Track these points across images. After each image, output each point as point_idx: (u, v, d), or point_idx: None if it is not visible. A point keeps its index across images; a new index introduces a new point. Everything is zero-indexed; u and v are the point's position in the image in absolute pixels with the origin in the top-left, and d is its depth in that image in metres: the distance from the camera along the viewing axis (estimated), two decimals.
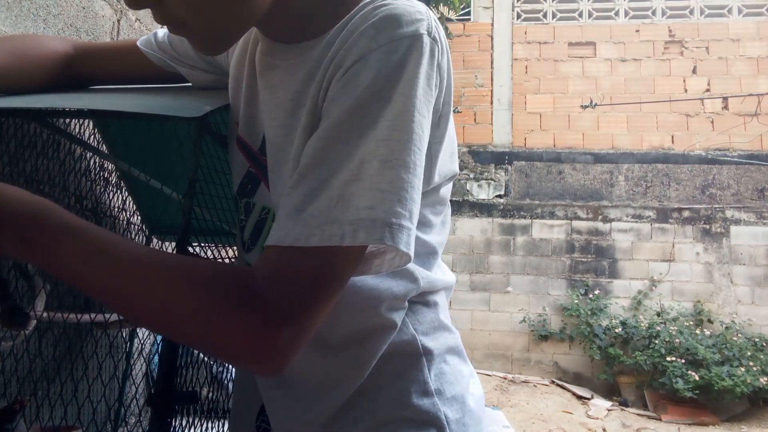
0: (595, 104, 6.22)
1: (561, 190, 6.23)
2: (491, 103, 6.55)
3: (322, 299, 0.49)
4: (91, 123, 1.40)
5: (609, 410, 4.97)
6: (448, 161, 0.66)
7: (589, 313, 5.66)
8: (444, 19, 5.94)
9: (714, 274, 5.79)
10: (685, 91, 6.22)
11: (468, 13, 6.72)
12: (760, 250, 5.76)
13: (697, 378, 4.98)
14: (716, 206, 5.93)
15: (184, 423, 1.06)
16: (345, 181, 0.49)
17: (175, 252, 0.88)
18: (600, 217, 6.08)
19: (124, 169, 1.48)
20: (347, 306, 0.59)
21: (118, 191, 1.68)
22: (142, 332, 1.91)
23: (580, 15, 6.58)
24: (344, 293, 0.52)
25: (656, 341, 5.29)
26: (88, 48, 0.87)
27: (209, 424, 1.23)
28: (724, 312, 5.66)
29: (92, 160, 1.50)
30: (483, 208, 6.24)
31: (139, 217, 1.81)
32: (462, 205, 6.24)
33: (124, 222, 1.73)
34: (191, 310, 0.47)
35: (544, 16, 6.65)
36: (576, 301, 5.77)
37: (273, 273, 0.49)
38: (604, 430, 4.51)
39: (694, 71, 6.24)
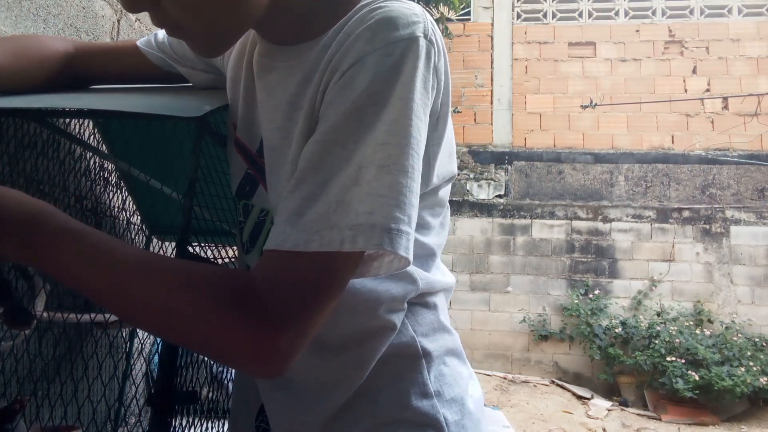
0: (595, 104, 6.22)
1: (561, 190, 6.23)
2: (491, 103, 6.55)
3: (321, 303, 0.49)
4: (91, 123, 1.40)
5: (609, 410, 4.97)
6: (447, 162, 0.66)
7: (589, 313, 5.66)
8: (444, 19, 5.93)
9: (714, 274, 5.79)
10: (685, 91, 6.22)
11: (468, 13, 6.72)
12: (760, 250, 5.76)
13: (697, 378, 4.98)
14: (716, 206, 5.93)
15: (184, 423, 1.06)
16: (344, 186, 0.49)
17: (175, 252, 0.88)
18: (600, 217, 6.08)
19: (124, 169, 1.48)
20: (346, 308, 0.59)
21: (118, 191, 1.68)
22: (142, 332, 1.91)
23: (580, 15, 6.58)
24: (343, 295, 0.52)
25: (656, 341, 5.29)
26: (88, 48, 0.87)
27: (209, 424, 1.23)
28: (724, 312, 5.66)
29: (92, 160, 1.50)
30: (483, 208, 6.24)
31: (139, 217, 1.81)
32: (462, 205, 6.24)
33: (124, 222, 1.73)
34: (190, 315, 0.48)
35: (544, 16, 6.65)
36: (576, 301, 5.77)
37: (272, 277, 0.49)
38: (604, 430, 4.51)
39: (694, 71, 6.24)
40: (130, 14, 1.76)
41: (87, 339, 1.65)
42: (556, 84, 6.44)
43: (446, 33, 6.00)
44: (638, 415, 5.02)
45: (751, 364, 5.07)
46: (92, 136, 1.42)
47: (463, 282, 6.02)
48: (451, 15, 6.29)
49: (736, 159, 5.97)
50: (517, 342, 5.93)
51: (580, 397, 5.21)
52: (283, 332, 0.47)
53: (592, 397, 5.29)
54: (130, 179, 1.66)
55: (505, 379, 5.45)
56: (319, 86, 0.57)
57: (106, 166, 1.58)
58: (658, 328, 5.41)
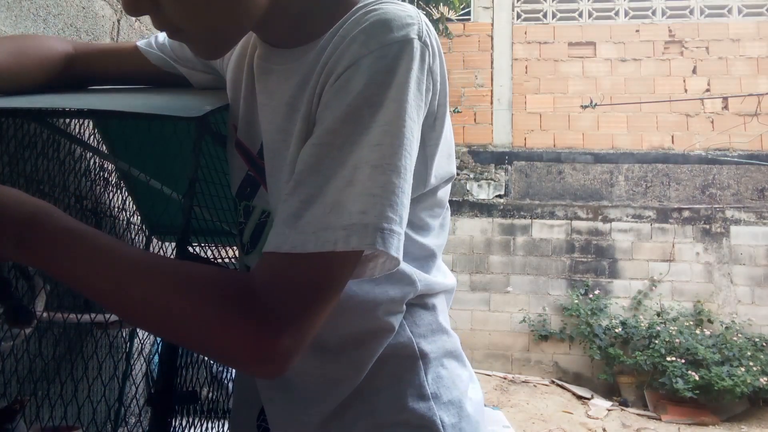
0: (595, 104, 6.22)
1: (561, 190, 6.23)
2: (491, 103, 6.55)
3: (320, 304, 0.49)
4: (91, 123, 1.40)
5: (609, 410, 4.97)
6: (445, 163, 0.66)
7: (589, 313, 5.66)
8: (444, 19, 5.94)
9: (714, 274, 5.80)
10: (685, 91, 6.22)
11: (468, 13, 6.72)
12: (760, 250, 5.76)
13: (697, 378, 4.98)
14: (716, 206, 5.93)
15: (184, 423, 1.06)
16: (339, 188, 0.50)
17: (175, 252, 0.88)
18: (600, 217, 6.08)
19: (124, 169, 1.48)
20: (345, 309, 0.59)
21: (118, 191, 1.68)
22: (142, 332, 1.91)
23: (580, 15, 6.58)
24: (342, 297, 0.52)
25: (656, 341, 5.30)
26: (88, 48, 0.87)
27: (209, 424, 1.23)
28: (724, 312, 5.66)
29: (92, 160, 1.50)
30: (483, 208, 6.25)
31: (139, 217, 1.81)
32: (462, 205, 6.24)
33: (124, 222, 1.73)
34: (190, 315, 0.48)
35: (544, 16, 6.65)
36: (576, 301, 5.77)
37: (272, 279, 0.49)
38: (604, 430, 4.51)
39: (694, 71, 6.24)
40: None
41: (87, 339, 1.65)
42: (556, 84, 6.44)
43: (446, 33, 6.00)
44: (638, 415, 5.02)
45: (751, 364, 5.07)
46: (92, 136, 1.42)
47: (463, 282, 6.02)
48: (451, 15, 6.29)
49: (736, 159, 5.97)
50: (517, 342, 5.93)
51: (580, 397, 5.21)
52: (283, 333, 0.47)
53: (592, 397, 5.29)
54: (130, 179, 1.66)
55: (505, 379, 5.45)
56: (316, 88, 0.57)
57: (106, 166, 1.58)
58: (658, 328, 5.41)
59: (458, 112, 6.40)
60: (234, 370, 0.84)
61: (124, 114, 0.77)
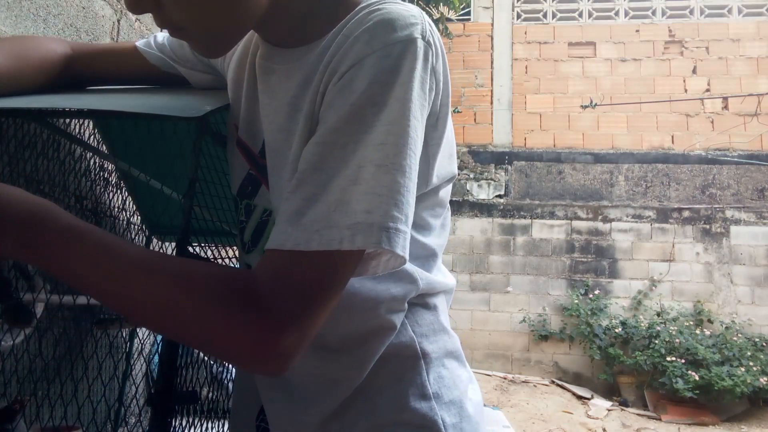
0: (595, 104, 6.22)
1: (561, 190, 6.23)
2: (491, 103, 6.55)
3: (322, 302, 0.49)
4: (91, 123, 1.40)
5: (609, 410, 4.97)
6: (447, 163, 0.66)
7: (589, 313, 5.66)
8: (444, 19, 5.93)
9: (714, 274, 5.80)
10: (685, 91, 6.22)
11: (468, 13, 6.72)
12: (760, 250, 5.76)
13: (697, 378, 4.98)
14: (716, 206, 5.93)
15: (184, 423, 1.06)
16: (343, 186, 0.50)
17: (175, 252, 0.88)
18: (600, 217, 6.08)
19: (124, 169, 1.48)
20: (346, 308, 0.59)
21: (118, 191, 1.68)
22: (142, 332, 1.91)
23: (580, 15, 6.58)
24: (343, 295, 0.52)
25: (656, 341, 5.30)
26: (87, 49, 0.87)
27: (209, 424, 1.23)
28: (724, 312, 5.66)
29: (92, 160, 1.50)
30: (483, 208, 6.24)
31: (139, 217, 1.81)
32: (462, 205, 6.24)
33: (124, 222, 1.73)
34: (192, 313, 0.48)
35: (544, 16, 6.65)
36: (576, 301, 5.77)
37: (274, 277, 0.49)
38: (604, 430, 4.51)
39: (694, 71, 6.24)
40: (131, 14, 1.76)
41: (87, 339, 1.65)
42: (556, 84, 6.44)
43: (446, 33, 6.00)
44: (638, 415, 5.02)
45: (751, 364, 5.07)
46: (92, 136, 1.42)
47: (463, 282, 6.02)
48: (451, 15, 6.29)
49: (736, 159, 5.97)
50: (517, 342, 5.93)
51: (580, 397, 5.21)
52: (285, 331, 0.47)
53: (592, 397, 5.29)
54: (130, 179, 1.66)
55: (505, 379, 5.45)
56: (319, 88, 0.57)
57: (106, 166, 1.58)
58: (658, 328, 5.41)
59: (458, 112, 6.40)
60: (234, 370, 0.83)
61: (124, 114, 0.77)
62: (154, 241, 1.87)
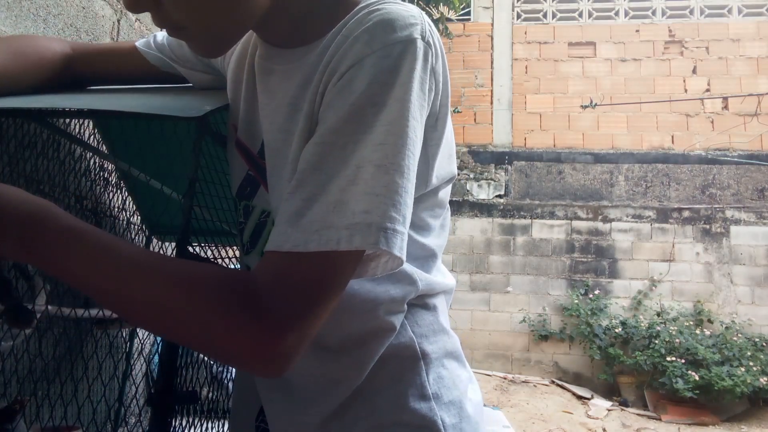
0: (595, 104, 6.22)
1: (561, 190, 6.23)
2: (491, 103, 6.55)
3: (322, 303, 0.49)
4: (91, 123, 1.40)
5: (609, 410, 4.97)
6: (446, 163, 0.66)
7: (589, 313, 5.66)
8: (444, 19, 5.93)
9: (714, 274, 5.80)
10: (685, 91, 6.22)
11: (468, 13, 6.72)
12: (760, 250, 5.76)
13: (697, 378, 4.98)
14: (716, 206, 5.93)
15: (184, 423, 1.06)
16: (342, 187, 0.50)
17: (175, 252, 0.88)
18: (600, 217, 6.08)
19: (124, 169, 1.48)
20: (346, 309, 0.59)
21: (118, 191, 1.68)
22: (142, 332, 1.91)
23: (580, 15, 6.58)
24: (342, 297, 0.52)
25: (656, 341, 5.30)
26: (86, 49, 0.87)
27: (209, 424, 1.23)
28: (724, 312, 5.66)
29: (92, 160, 1.50)
30: (483, 208, 6.25)
31: (139, 217, 1.81)
32: (462, 205, 6.24)
33: (124, 222, 1.73)
34: (192, 315, 0.48)
35: (544, 16, 6.65)
36: (576, 301, 5.77)
37: (273, 278, 0.49)
38: (604, 430, 4.51)
39: (694, 71, 6.24)
40: (131, 14, 1.76)
41: (87, 339, 1.65)
42: (556, 84, 6.44)
43: (446, 33, 6.00)
44: (638, 415, 5.02)
45: (751, 364, 5.07)
46: (92, 136, 1.42)
47: (463, 282, 6.02)
48: (451, 15, 6.29)
49: (736, 159, 5.97)
50: (517, 342, 5.93)
51: (580, 397, 5.21)
52: (285, 332, 0.47)
53: (592, 397, 5.29)
54: (130, 179, 1.66)
55: (505, 379, 5.45)
56: (318, 88, 0.57)
57: (106, 166, 1.58)
58: (658, 328, 5.41)
59: (458, 112, 6.40)
60: (234, 370, 0.83)
61: (124, 114, 0.77)
62: (154, 241, 1.87)
